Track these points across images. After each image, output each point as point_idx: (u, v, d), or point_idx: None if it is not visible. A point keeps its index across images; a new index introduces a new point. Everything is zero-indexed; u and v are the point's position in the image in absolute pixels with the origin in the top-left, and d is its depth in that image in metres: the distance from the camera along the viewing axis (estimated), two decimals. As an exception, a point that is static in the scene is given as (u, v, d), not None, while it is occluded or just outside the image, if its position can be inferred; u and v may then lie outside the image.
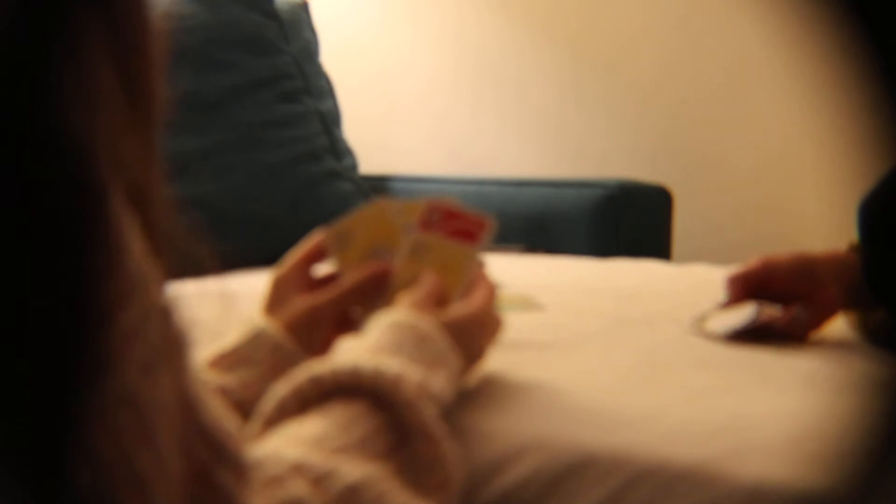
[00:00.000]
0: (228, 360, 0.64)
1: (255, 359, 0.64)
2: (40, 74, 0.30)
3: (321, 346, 0.68)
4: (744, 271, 0.91)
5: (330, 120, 1.69)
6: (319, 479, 0.45)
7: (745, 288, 0.91)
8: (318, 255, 0.71)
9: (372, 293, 0.69)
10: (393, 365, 0.54)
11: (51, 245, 0.30)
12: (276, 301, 0.69)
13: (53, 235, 0.30)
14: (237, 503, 0.36)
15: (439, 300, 0.66)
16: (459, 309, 0.65)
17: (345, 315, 0.69)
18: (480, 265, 0.70)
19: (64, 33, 0.31)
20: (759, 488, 0.53)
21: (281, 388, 0.53)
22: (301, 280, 0.70)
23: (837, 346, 0.88)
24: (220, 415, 0.38)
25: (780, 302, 0.90)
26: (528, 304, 1.01)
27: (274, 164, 1.53)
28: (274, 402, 0.52)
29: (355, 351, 0.57)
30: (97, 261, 0.30)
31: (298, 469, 0.45)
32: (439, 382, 0.57)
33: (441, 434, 0.53)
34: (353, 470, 0.47)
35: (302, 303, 0.67)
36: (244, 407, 0.61)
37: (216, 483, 0.36)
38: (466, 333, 0.64)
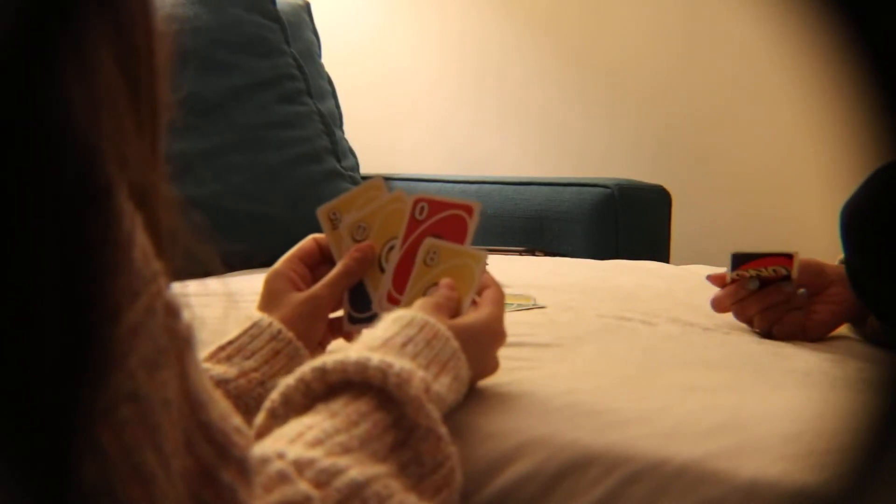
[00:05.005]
0: (226, 352, 0.65)
1: (254, 348, 0.66)
2: (47, 75, 0.30)
3: (319, 337, 0.70)
4: None
5: (331, 121, 1.70)
6: (323, 478, 0.45)
7: None
8: (309, 254, 0.73)
9: (362, 271, 0.72)
10: (400, 361, 0.54)
11: (58, 242, 0.30)
12: (269, 297, 0.70)
13: (61, 233, 0.30)
14: (240, 501, 0.37)
15: (454, 308, 0.66)
16: (473, 316, 0.65)
17: (339, 302, 0.72)
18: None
19: (70, 35, 0.31)
20: (756, 486, 0.53)
21: (287, 380, 0.53)
22: (293, 277, 0.71)
23: (834, 345, 0.88)
24: (226, 412, 0.38)
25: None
26: (528, 304, 1.02)
27: (275, 164, 1.53)
28: (279, 395, 0.53)
29: (363, 344, 0.57)
30: (104, 258, 0.31)
31: (301, 467, 0.45)
32: (444, 385, 0.57)
33: (445, 434, 0.53)
34: (357, 469, 0.47)
35: (302, 294, 0.70)
36: (242, 397, 0.62)
37: (220, 481, 0.36)
38: (478, 341, 0.64)
